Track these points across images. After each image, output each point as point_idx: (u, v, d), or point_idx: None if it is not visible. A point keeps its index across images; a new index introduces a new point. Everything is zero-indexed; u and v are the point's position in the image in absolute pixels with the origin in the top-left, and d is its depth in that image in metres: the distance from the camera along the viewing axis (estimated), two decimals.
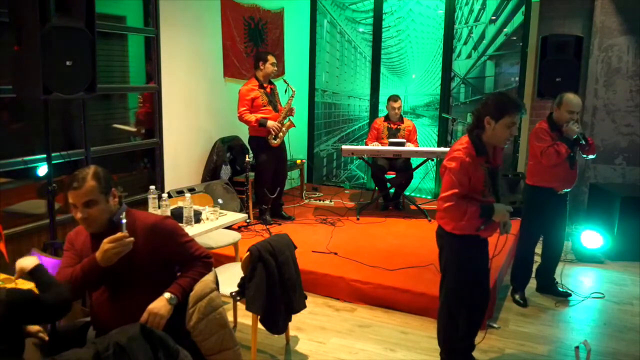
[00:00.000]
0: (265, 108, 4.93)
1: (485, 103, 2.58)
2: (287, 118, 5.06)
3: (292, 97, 5.06)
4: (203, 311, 2.15)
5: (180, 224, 3.21)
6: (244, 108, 4.86)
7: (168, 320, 2.13)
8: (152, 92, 4.63)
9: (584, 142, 3.52)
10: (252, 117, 4.85)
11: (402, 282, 3.76)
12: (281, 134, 4.99)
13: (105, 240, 2.02)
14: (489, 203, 2.55)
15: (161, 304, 2.11)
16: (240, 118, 4.89)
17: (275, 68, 4.97)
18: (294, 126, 5.17)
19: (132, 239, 2.05)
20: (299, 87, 5.15)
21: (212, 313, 2.16)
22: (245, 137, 5.49)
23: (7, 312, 1.73)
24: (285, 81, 5.09)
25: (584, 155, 3.68)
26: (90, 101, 3.96)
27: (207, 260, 2.30)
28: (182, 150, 5.00)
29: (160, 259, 2.22)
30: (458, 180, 2.48)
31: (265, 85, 4.97)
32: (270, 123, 4.87)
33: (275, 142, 4.96)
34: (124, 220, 2.08)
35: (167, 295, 2.14)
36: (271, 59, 4.92)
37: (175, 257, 2.28)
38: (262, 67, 4.92)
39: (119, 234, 2.03)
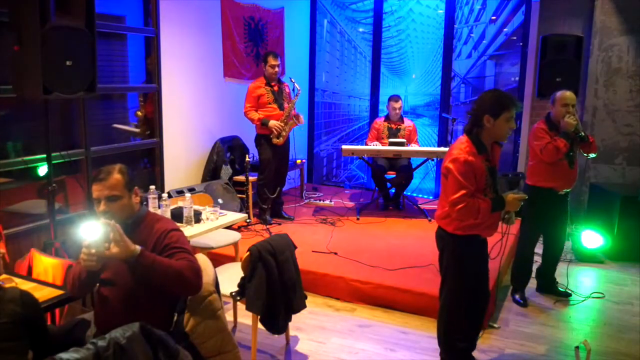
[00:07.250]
0: (270, 106, 4.97)
1: (481, 102, 2.58)
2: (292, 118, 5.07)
3: (297, 95, 5.07)
4: (201, 314, 2.13)
5: (180, 224, 3.24)
6: (250, 105, 4.95)
7: (169, 321, 2.13)
8: (152, 92, 4.63)
9: (582, 134, 3.55)
10: (255, 116, 4.93)
11: (402, 282, 3.76)
12: (284, 132, 5.00)
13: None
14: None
15: (123, 250, 1.90)
16: (245, 115, 4.99)
17: (274, 70, 4.93)
18: (297, 124, 5.15)
19: (94, 259, 1.92)
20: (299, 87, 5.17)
21: (211, 317, 2.15)
22: (245, 137, 5.51)
23: (20, 310, 1.80)
24: (291, 80, 5.12)
25: (585, 154, 3.70)
26: (90, 101, 3.95)
27: (190, 271, 2.00)
28: (182, 150, 5.00)
29: None
30: (465, 180, 2.47)
31: (272, 83, 5.01)
32: (272, 123, 4.90)
33: (278, 141, 4.97)
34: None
35: (135, 251, 1.93)
36: (270, 60, 4.93)
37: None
38: (264, 68, 5.00)
39: (89, 250, 1.92)
